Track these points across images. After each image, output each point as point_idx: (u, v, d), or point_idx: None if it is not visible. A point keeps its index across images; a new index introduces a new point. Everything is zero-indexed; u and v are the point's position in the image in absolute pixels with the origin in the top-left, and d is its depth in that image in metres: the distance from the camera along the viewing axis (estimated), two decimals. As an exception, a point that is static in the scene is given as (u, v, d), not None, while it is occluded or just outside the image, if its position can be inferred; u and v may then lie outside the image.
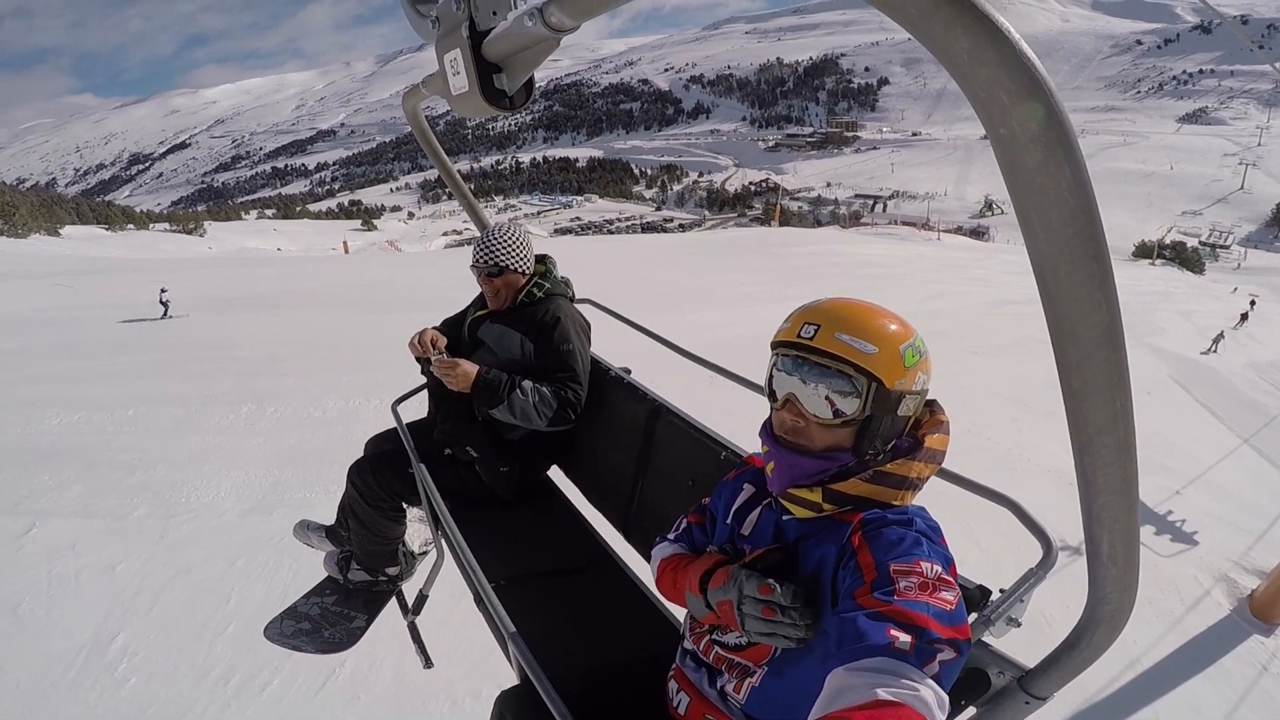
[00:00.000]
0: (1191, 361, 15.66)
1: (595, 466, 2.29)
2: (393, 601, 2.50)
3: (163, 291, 13.87)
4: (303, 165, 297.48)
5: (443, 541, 2.09)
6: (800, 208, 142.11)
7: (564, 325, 2.17)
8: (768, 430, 1.18)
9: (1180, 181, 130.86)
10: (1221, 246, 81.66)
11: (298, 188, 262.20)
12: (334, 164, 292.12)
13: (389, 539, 2.41)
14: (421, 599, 2.30)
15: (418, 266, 25.98)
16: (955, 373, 10.56)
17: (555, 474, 2.50)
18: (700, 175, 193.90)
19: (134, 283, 17.46)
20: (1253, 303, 26.38)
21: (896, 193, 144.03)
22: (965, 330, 14.31)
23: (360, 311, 14.50)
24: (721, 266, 23.42)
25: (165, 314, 13.64)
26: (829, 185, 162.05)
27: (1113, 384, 0.67)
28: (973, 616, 1.08)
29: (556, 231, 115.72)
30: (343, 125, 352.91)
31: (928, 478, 1.12)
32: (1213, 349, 17.56)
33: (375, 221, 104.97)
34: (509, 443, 2.25)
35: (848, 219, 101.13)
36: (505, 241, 2.19)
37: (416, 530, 2.63)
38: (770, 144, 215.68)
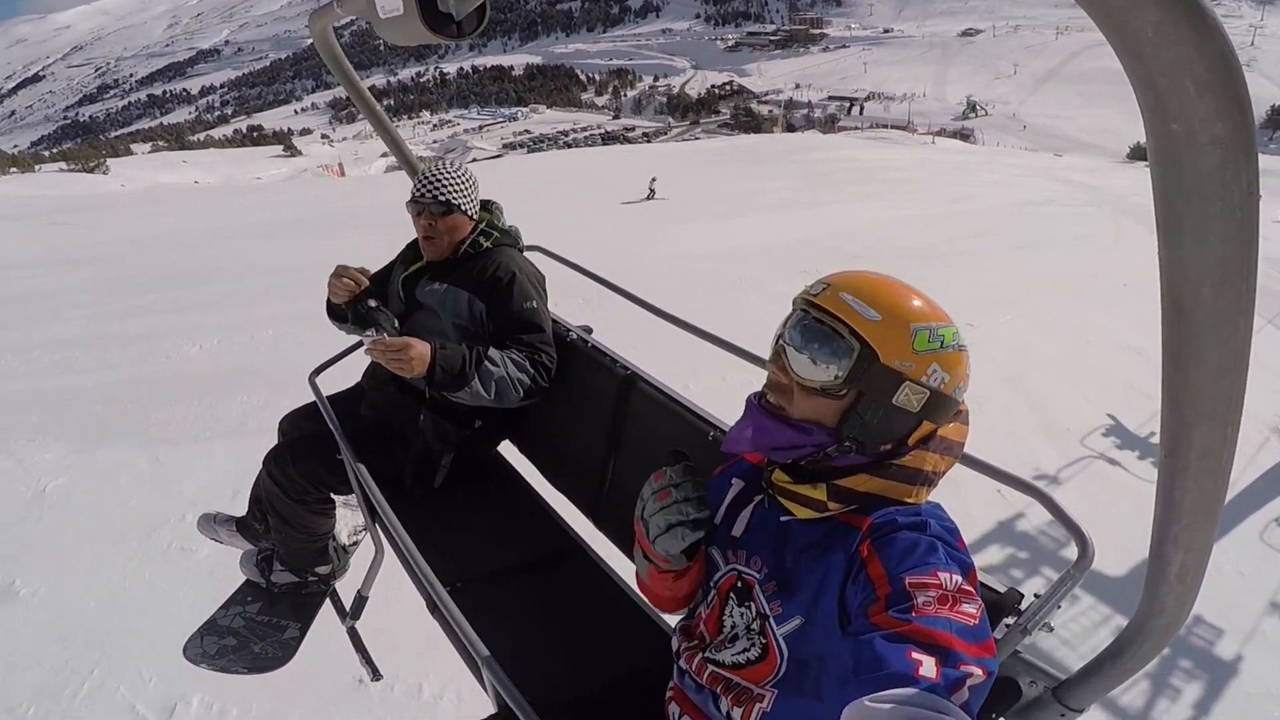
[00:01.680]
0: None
1: (556, 443, 2.18)
2: (327, 604, 2.39)
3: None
4: (184, 90, 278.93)
5: (382, 536, 2.02)
6: (771, 111, 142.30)
7: (521, 280, 2.05)
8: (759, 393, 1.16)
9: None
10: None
11: (181, 116, 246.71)
12: (222, 87, 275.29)
13: (317, 535, 2.26)
14: (361, 601, 2.23)
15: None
16: (1007, 264, 12.25)
17: (507, 450, 2.37)
18: (656, 79, 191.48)
19: (130, 217, 17.82)
20: None
21: (872, 94, 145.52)
22: (1002, 229, 16.06)
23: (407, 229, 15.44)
24: (747, 174, 24.81)
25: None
26: (798, 87, 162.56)
27: (1230, 409, 0.65)
28: (1004, 625, 1.09)
29: (505, 146, 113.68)
30: (227, 43, 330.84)
31: (944, 472, 1.10)
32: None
33: (297, 144, 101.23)
34: (458, 415, 2.08)
35: (824, 123, 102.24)
36: (454, 176, 2.08)
37: (346, 518, 2.48)
38: (730, 43, 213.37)
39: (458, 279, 2.08)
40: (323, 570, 2.35)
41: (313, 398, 2.11)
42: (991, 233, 15.14)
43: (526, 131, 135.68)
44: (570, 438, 2.12)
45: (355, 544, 2.53)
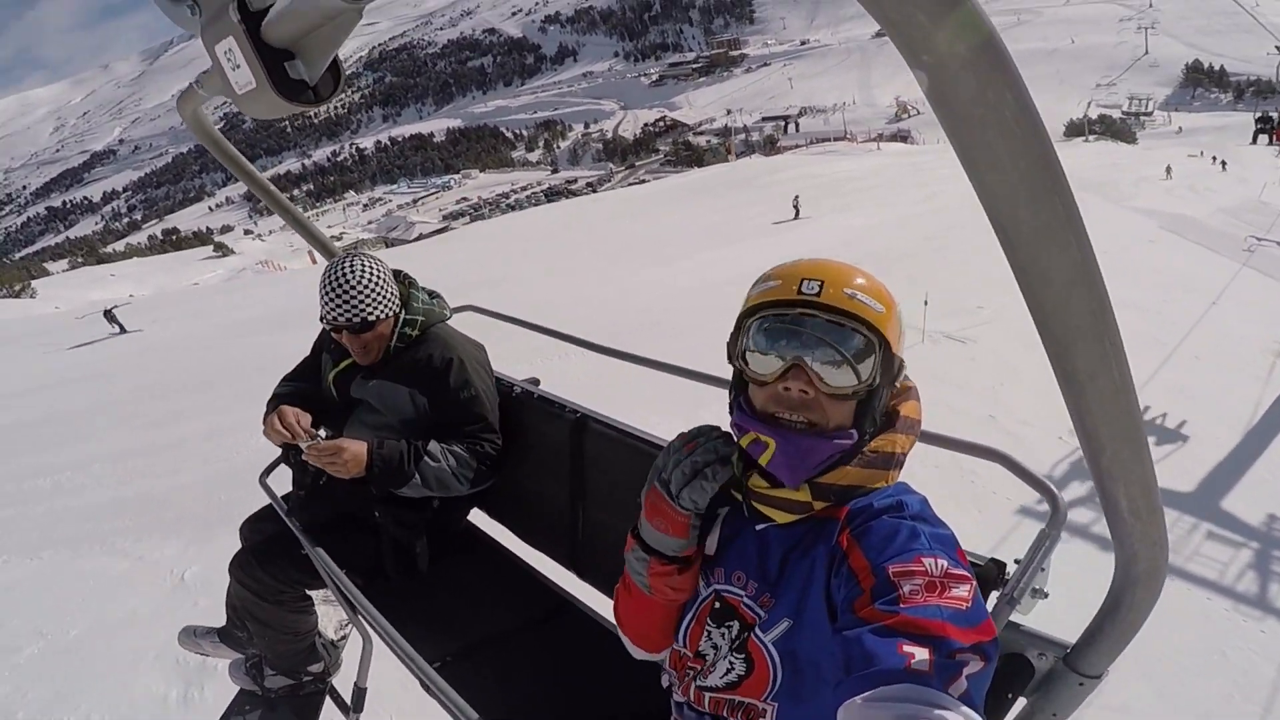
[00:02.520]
0: (1173, 215, 20.82)
1: (523, 501, 2.23)
2: (328, 702, 2.43)
3: None
4: (85, 199, 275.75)
5: (366, 625, 2.00)
6: (709, 141, 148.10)
7: (457, 366, 2.05)
8: (748, 410, 1.11)
9: (1084, 54, 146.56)
10: (1145, 114, 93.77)
11: (87, 227, 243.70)
12: (125, 190, 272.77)
13: (302, 634, 2.29)
14: (360, 693, 2.28)
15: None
16: (994, 246, 14.57)
17: (478, 517, 2.43)
18: (587, 126, 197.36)
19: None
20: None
21: (804, 109, 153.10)
22: (982, 218, 18.53)
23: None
24: (718, 205, 27.24)
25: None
26: (729, 112, 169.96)
27: (1097, 323, 0.68)
28: (993, 597, 1.10)
29: (446, 218, 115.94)
30: (121, 142, 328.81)
31: (909, 450, 1.13)
32: (1168, 176, 25.32)
33: (226, 243, 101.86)
34: (412, 501, 2.09)
35: (764, 145, 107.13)
36: (365, 287, 1.98)
37: (329, 614, 2.53)
38: (654, 77, 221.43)
39: (392, 374, 2.09)
40: (315, 668, 2.38)
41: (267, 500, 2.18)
42: (972, 224, 17.27)
43: (464, 199, 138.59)
44: (535, 494, 2.17)
45: (344, 638, 2.58)
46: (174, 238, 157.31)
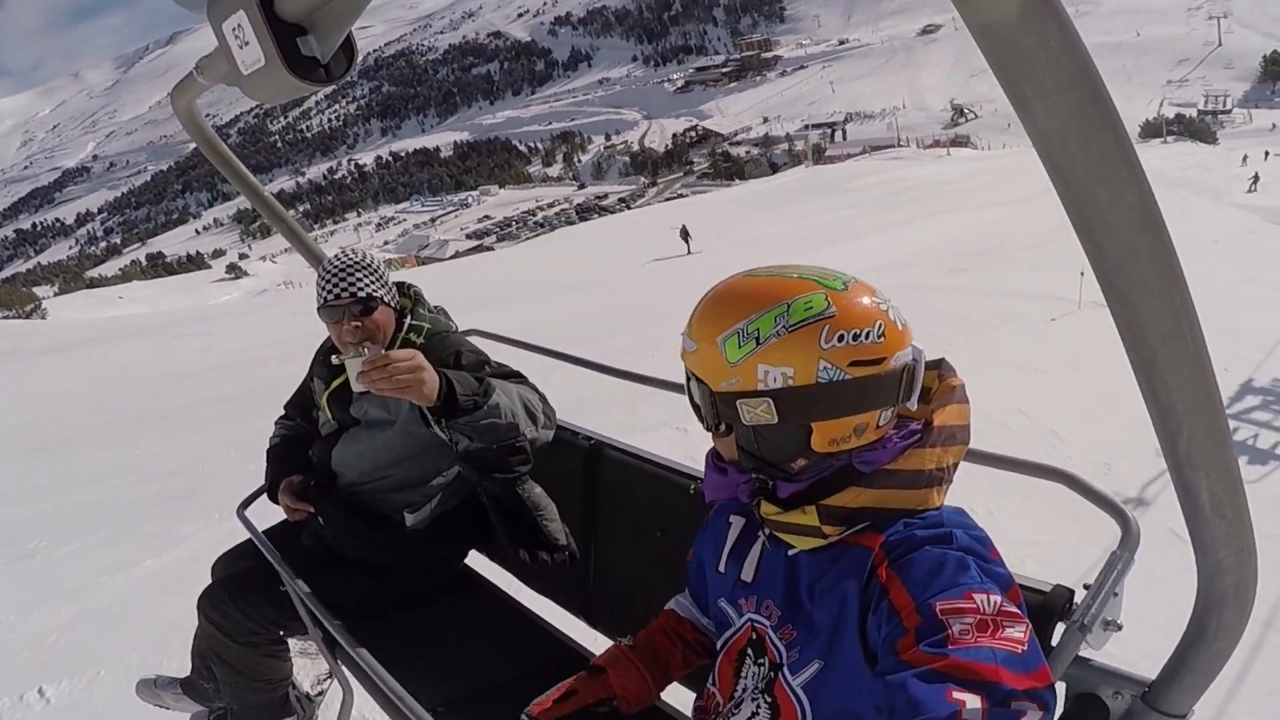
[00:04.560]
0: (1272, 208, 24.37)
1: None
2: None
3: None
4: (58, 221, 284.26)
5: (346, 673, 2.06)
6: (748, 151, 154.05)
7: (467, 352, 2.12)
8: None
9: (1152, 48, 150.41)
10: (1222, 112, 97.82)
11: (60, 252, 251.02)
12: (100, 211, 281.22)
13: (274, 681, 2.29)
14: None
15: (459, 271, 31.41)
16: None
17: (475, 561, 2.47)
18: (609, 138, 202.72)
19: (248, 330, 21.57)
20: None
21: (850, 115, 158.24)
22: None
23: (554, 292, 18.90)
24: (813, 208, 30.93)
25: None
26: (766, 120, 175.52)
27: (1165, 276, 0.68)
28: (1060, 630, 1.12)
29: (470, 236, 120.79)
30: (95, 158, 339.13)
31: (952, 465, 1.12)
32: (1253, 188, 29.04)
33: (242, 265, 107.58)
34: (407, 533, 2.16)
35: (809, 154, 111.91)
36: (366, 267, 2.09)
37: (305, 666, 2.57)
38: (679, 83, 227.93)
39: None
40: None
41: (246, 535, 2.16)
42: None
43: (487, 217, 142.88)
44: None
45: (321, 693, 2.63)
46: (156, 263, 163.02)
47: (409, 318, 2.21)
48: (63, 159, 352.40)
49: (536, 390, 2.04)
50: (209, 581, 2.35)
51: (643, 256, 25.30)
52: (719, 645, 1.27)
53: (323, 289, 2.07)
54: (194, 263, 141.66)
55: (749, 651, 1.19)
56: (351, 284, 2.05)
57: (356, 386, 1.80)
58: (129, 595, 5.30)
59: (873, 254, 18.19)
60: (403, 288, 2.28)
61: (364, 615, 2.10)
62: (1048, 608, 1.15)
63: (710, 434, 1.20)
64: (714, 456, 1.24)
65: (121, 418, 11.54)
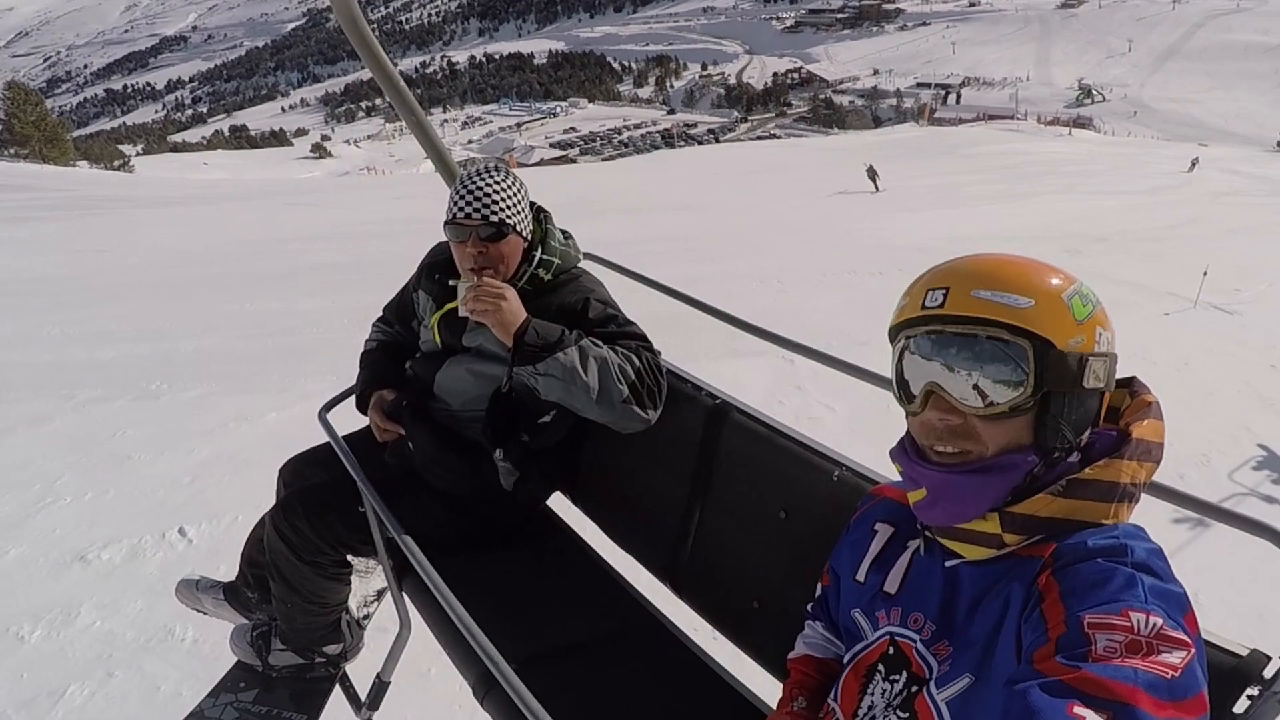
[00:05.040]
0: None
1: (622, 492, 2.19)
2: (337, 691, 2.36)
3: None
4: (149, 85, 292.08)
5: (408, 606, 2.03)
6: (851, 102, 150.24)
7: (595, 301, 2.04)
8: (906, 449, 1.15)
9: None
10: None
11: (146, 114, 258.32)
12: (191, 80, 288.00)
13: (331, 606, 2.23)
14: (381, 687, 2.28)
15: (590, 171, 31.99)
16: (1229, 247, 15.92)
17: (558, 503, 2.39)
18: (705, 67, 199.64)
19: (348, 206, 22.43)
20: None
21: (967, 79, 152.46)
22: (1208, 216, 20.80)
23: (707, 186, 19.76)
24: (927, 169, 30.72)
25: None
26: (876, 73, 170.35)
27: None
28: (1247, 697, 1.04)
29: (555, 146, 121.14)
30: (195, 29, 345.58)
31: (1145, 481, 1.07)
32: None
33: (326, 146, 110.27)
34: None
35: (920, 113, 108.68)
36: (504, 188, 1.98)
37: (355, 586, 2.47)
38: (788, 23, 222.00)
39: None
40: (332, 650, 2.32)
41: (324, 438, 2.10)
42: (1203, 219, 20.00)
43: (573, 129, 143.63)
44: (641, 485, 2.12)
45: (367, 617, 2.56)
46: (239, 135, 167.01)
47: (538, 250, 2.08)
48: (163, 26, 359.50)
49: (650, 365, 1.96)
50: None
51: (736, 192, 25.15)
52: (846, 658, 1.24)
53: (455, 203, 1.97)
54: (276, 138, 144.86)
55: (880, 667, 1.15)
56: (486, 208, 1.95)
57: (463, 312, 1.81)
58: (260, 443, 5.60)
59: (990, 223, 18.22)
60: (534, 208, 2.13)
61: (437, 547, 1.93)
62: (1241, 673, 1.06)
63: (971, 421, 1.06)
64: (952, 462, 1.08)
65: (234, 274, 12.19)
